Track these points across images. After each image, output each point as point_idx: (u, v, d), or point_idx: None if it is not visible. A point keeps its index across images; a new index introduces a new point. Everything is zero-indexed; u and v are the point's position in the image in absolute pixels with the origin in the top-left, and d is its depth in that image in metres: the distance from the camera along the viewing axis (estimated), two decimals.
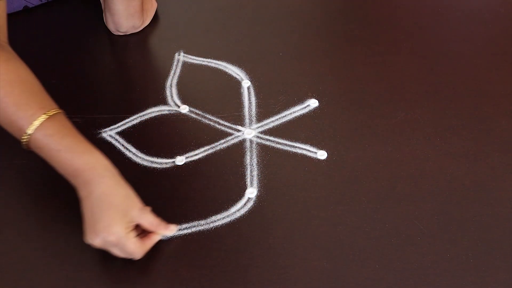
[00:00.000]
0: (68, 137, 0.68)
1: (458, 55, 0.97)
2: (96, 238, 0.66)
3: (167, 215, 0.73)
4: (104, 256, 0.70)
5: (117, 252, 0.67)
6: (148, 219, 0.69)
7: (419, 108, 0.87)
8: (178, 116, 0.87)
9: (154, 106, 0.88)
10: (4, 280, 0.69)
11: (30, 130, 0.66)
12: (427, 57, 0.96)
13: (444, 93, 0.90)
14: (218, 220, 0.74)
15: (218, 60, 0.96)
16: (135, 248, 0.67)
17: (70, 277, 0.68)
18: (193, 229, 0.73)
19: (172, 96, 0.90)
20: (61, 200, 0.75)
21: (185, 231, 0.72)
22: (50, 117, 0.67)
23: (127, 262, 0.69)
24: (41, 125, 0.66)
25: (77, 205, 0.73)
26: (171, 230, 0.71)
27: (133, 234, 0.67)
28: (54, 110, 0.68)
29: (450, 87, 0.91)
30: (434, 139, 0.83)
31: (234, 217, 0.74)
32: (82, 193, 0.67)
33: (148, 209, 0.70)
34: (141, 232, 0.70)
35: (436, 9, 1.07)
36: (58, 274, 0.69)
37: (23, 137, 0.67)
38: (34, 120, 0.66)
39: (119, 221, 0.66)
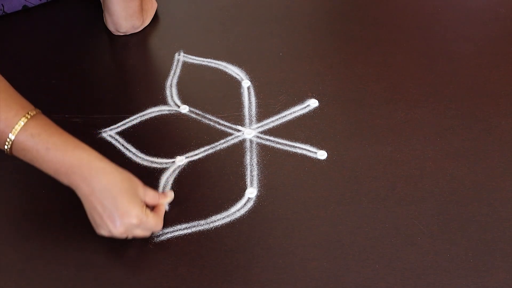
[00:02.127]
0: (56, 135, 0.66)
1: (458, 55, 0.97)
2: (117, 226, 0.67)
3: (167, 215, 0.74)
4: (104, 256, 0.70)
5: (139, 232, 0.69)
6: (150, 194, 0.71)
7: (419, 108, 0.87)
8: (178, 116, 0.87)
9: (154, 106, 0.88)
10: (4, 280, 0.69)
11: (14, 132, 0.64)
12: (427, 57, 0.96)
13: (444, 93, 0.90)
14: (218, 220, 0.74)
15: (218, 60, 0.96)
16: (156, 222, 0.70)
17: (70, 277, 0.68)
18: (193, 229, 0.73)
19: (172, 96, 0.90)
20: (62, 200, 0.75)
21: (185, 231, 0.72)
22: (33, 117, 0.66)
23: (127, 262, 0.69)
24: (25, 126, 0.65)
25: (77, 205, 0.73)
26: (171, 196, 0.74)
27: (148, 210, 0.69)
28: (34, 110, 0.67)
29: (450, 87, 0.91)
30: (434, 139, 0.83)
31: (234, 217, 0.74)
32: (84, 190, 0.66)
33: (148, 187, 0.71)
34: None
35: (436, 9, 1.07)
36: (58, 274, 0.69)
37: (6, 140, 0.65)
38: (18, 120, 0.64)
39: (134, 203, 0.67)
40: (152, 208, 0.71)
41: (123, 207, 0.66)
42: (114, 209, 0.66)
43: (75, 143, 0.67)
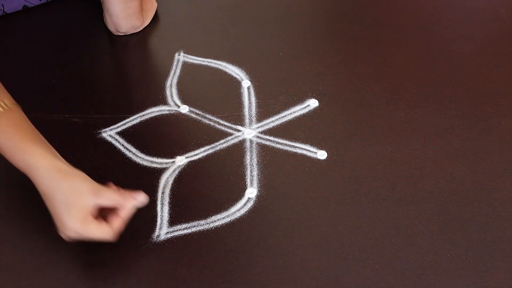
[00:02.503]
0: (9, 136, 0.65)
1: (458, 55, 0.97)
2: (62, 234, 0.66)
3: (168, 216, 0.73)
4: (103, 256, 0.70)
5: (89, 239, 0.66)
6: (108, 197, 0.66)
7: (419, 108, 0.87)
8: (178, 116, 0.87)
9: (154, 106, 0.88)
10: (4, 280, 0.69)
11: None
12: (427, 57, 0.96)
13: (444, 93, 0.90)
14: (218, 220, 0.74)
15: (218, 60, 0.96)
16: (101, 233, 0.65)
17: (70, 277, 0.68)
18: (193, 229, 0.73)
19: (172, 96, 0.90)
20: None
21: (185, 231, 0.72)
22: (1, 112, 0.65)
23: (127, 262, 0.69)
24: None
25: None
26: (140, 200, 0.68)
27: (90, 220, 0.64)
28: (7, 105, 0.66)
29: (450, 87, 0.91)
30: (434, 139, 0.83)
31: (234, 217, 0.74)
32: (38, 190, 0.66)
33: (105, 188, 0.66)
34: (110, 212, 0.67)
35: (436, 9, 1.07)
36: (58, 274, 0.69)
37: None
38: None
39: (69, 217, 0.64)
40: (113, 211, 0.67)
41: (60, 218, 0.65)
42: (55, 219, 0.65)
43: (24, 148, 0.65)
